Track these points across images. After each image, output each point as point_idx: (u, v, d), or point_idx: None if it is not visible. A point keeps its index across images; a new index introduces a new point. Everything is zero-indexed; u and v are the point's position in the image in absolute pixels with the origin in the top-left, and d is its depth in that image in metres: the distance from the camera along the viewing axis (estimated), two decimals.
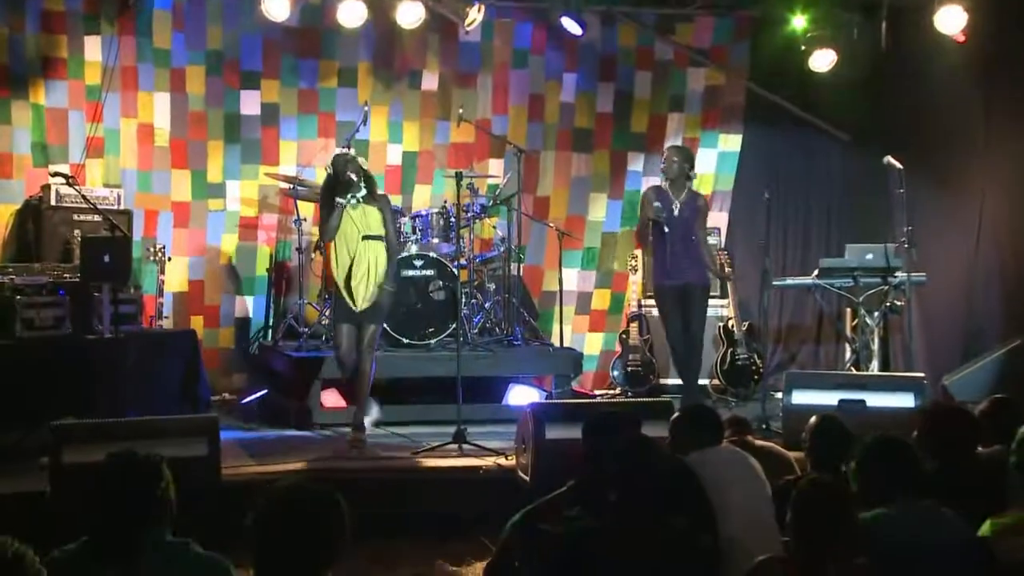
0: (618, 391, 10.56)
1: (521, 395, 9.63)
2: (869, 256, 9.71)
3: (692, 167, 8.99)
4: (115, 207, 9.51)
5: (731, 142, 11.60)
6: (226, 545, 3.82)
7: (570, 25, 10.72)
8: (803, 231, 11.74)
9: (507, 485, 6.94)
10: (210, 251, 10.56)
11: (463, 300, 9.38)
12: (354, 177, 8.02)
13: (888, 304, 9.66)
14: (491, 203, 10.23)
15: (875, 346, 9.87)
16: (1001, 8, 9.97)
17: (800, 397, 7.99)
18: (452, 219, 9.68)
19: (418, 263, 9.57)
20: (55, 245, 9.31)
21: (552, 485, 5.02)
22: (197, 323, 10.34)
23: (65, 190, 9.24)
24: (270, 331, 10.26)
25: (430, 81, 11.03)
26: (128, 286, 8.81)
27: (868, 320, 9.80)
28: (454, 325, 9.09)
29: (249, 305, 10.65)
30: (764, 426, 8.50)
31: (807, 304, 11.43)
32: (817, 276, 9.86)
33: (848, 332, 10.52)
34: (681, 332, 8.86)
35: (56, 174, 8.86)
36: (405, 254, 9.61)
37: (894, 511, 4.27)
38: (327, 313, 9.30)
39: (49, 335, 8.36)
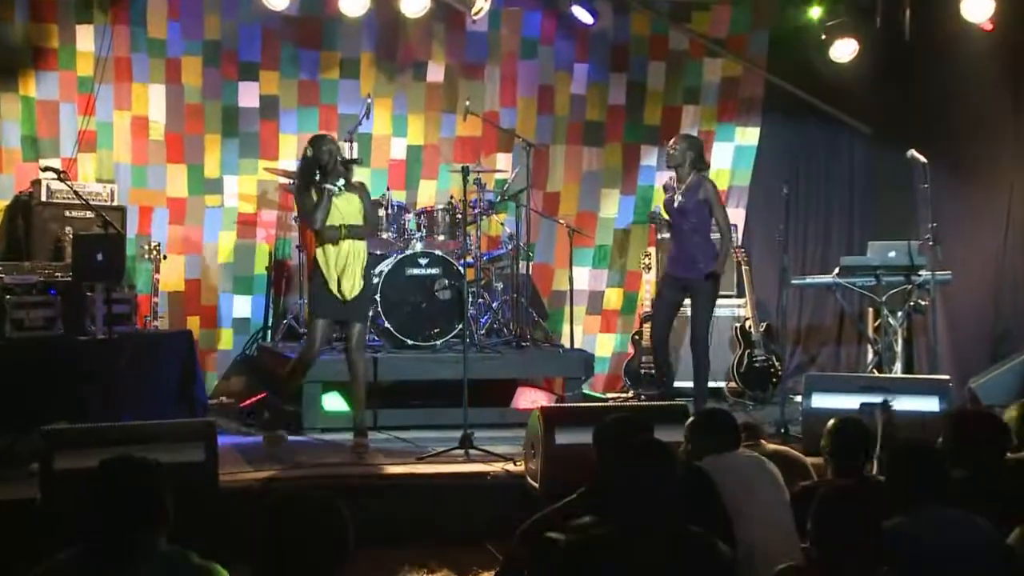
0: (631, 394, 10.55)
1: (530, 398, 9.63)
2: (892, 254, 9.70)
3: (700, 155, 8.89)
4: (108, 203, 9.52)
5: (748, 135, 11.58)
6: (224, 553, 3.82)
7: (581, 14, 10.72)
8: (823, 228, 11.72)
9: (515, 492, 6.95)
10: (207, 249, 10.57)
11: (470, 300, 9.39)
12: (340, 165, 8.04)
13: (912, 304, 9.65)
14: (499, 199, 10.24)
15: (898, 348, 9.86)
16: None
17: (820, 400, 7.99)
18: (458, 215, 9.68)
19: (423, 261, 9.58)
20: (46, 243, 9.31)
21: (562, 492, 5.01)
22: (193, 324, 10.35)
23: (56, 185, 9.24)
24: (269, 332, 10.27)
25: (435, 72, 11.03)
26: (122, 285, 8.83)
27: (891, 320, 9.79)
28: (460, 326, 9.09)
29: (248, 305, 10.65)
30: (783, 431, 8.51)
31: (827, 304, 11.42)
32: (838, 275, 9.85)
33: (870, 333, 10.50)
34: (663, 326, 8.88)
35: (47, 169, 8.85)
36: (410, 252, 9.62)
37: (919, 519, 4.26)
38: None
39: (40, 336, 8.37)
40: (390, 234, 9.80)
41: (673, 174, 8.93)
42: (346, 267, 8.01)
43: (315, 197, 7.94)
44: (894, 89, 11.08)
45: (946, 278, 9.70)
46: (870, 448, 5.22)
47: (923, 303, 9.56)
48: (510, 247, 10.07)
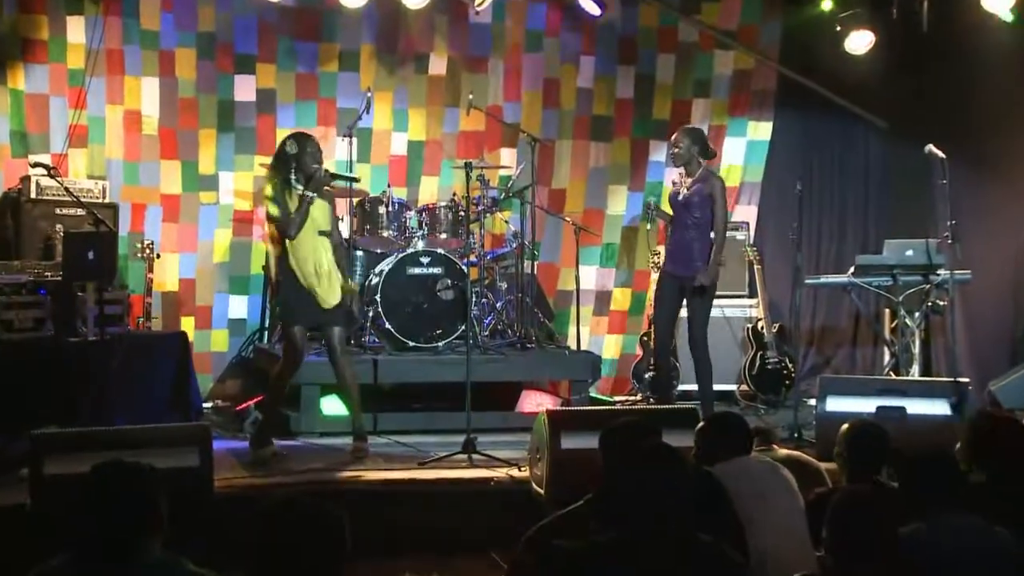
0: (639, 397, 10.56)
1: (535, 402, 9.63)
2: (909, 252, 9.70)
3: (704, 145, 8.86)
4: (100, 200, 9.54)
5: (761, 130, 11.59)
6: (219, 561, 3.83)
7: (588, 5, 10.73)
8: (838, 225, 11.72)
9: (520, 498, 6.94)
10: (202, 247, 10.58)
11: (473, 300, 9.38)
12: (328, 176, 8.09)
13: (930, 304, 9.65)
14: (503, 196, 10.23)
15: (916, 349, 9.85)
16: None
17: (835, 404, 7.99)
18: (461, 213, 9.69)
19: (425, 260, 9.58)
20: (35, 241, 9.33)
21: (568, 498, 5.02)
22: (188, 324, 10.37)
23: (46, 182, 9.26)
24: (266, 333, 10.27)
25: (438, 65, 11.03)
26: (114, 285, 8.83)
27: (908, 321, 9.79)
28: (463, 327, 9.10)
29: (244, 305, 10.66)
30: (796, 435, 8.50)
31: (842, 304, 11.41)
32: (853, 274, 9.85)
33: (887, 334, 10.50)
34: (666, 326, 8.87)
35: (36, 165, 8.87)
36: (411, 250, 9.62)
37: (936, 525, 4.26)
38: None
39: (29, 337, 8.38)
40: (391, 232, 9.81)
41: (682, 170, 8.90)
42: (322, 273, 7.99)
43: (294, 202, 7.89)
44: (911, 82, 11.08)
45: (965, 277, 9.69)
46: (887, 453, 5.20)
47: (941, 303, 9.56)
48: (514, 246, 10.07)
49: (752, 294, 10.85)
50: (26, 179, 9.45)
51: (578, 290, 10.46)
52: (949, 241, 9.09)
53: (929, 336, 10.37)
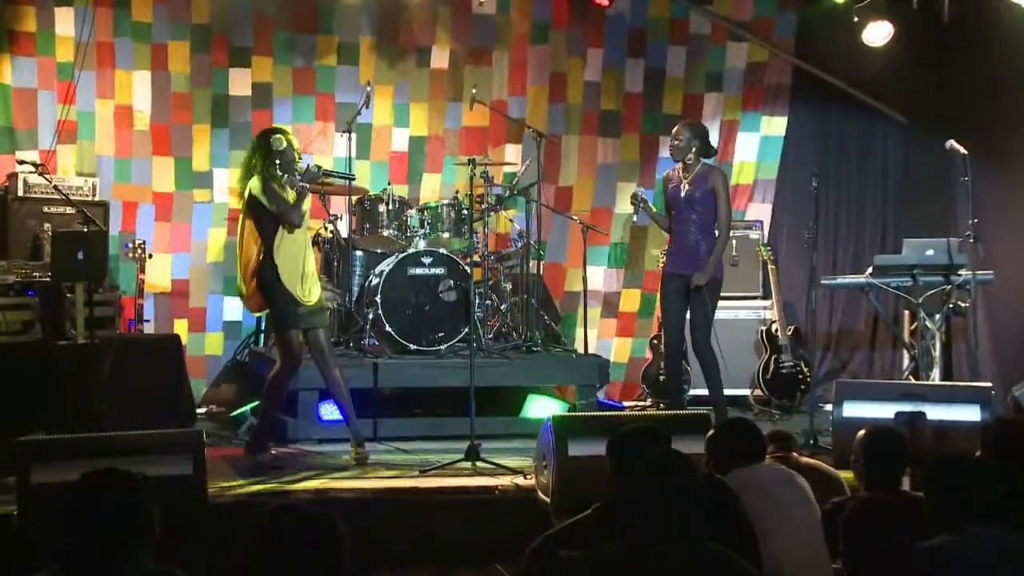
0: (649, 403, 10.55)
1: (541, 407, 9.63)
2: (930, 252, 9.68)
3: (705, 142, 8.84)
4: (90, 198, 9.55)
5: (775, 125, 11.58)
6: (213, 572, 3.83)
7: None
8: (855, 224, 11.71)
9: (526, 507, 6.94)
10: (195, 247, 10.59)
11: (476, 301, 9.38)
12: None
13: (951, 306, 9.63)
14: (508, 193, 10.23)
15: (936, 353, 9.83)
16: None
17: (852, 409, 7.98)
18: (464, 211, 9.68)
19: (427, 260, 9.58)
20: (23, 240, 9.33)
21: (576, 507, 5.02)
22: (181, 327, 10.37)
23: (34, 179, 9.27)
24: (262, 336, 10.27)
25: (440, 58, 11.04)
26: (104, 286, 8.83)
27: (928, 324, 9.77)
28: (466, 329, 9.09)
29: (239, 307, 10.64)
30: (812, 441, 8.50)
31: (860, 306, 11.41)
32: (871, 274, 9.83)
33: (906, 337, 10.49)
34: (676, 329, 8.85)
35: (24, 162, 8.89)
36: (412, 250, 9.62)
37: (961, 538, 4.23)
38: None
39: (16, 341, 8.38)
40: (391, 231, 9.81)
41: (679, 166, 8.88)
42: (308, 273, 8.02)
43: (286, 194, 7.93)
44: (932, 74, 11.06)
45: (988, 278, 9.68)
46: (905, 460, 5.19)
47: (963, 305, 9.54)
48: (520, 245, 10.07)
49: (766, 295, 10.84)
50: (13, 176, 9.46)
51: (585, 291, 10.44)
52: (971, 240, 9.09)
53: (950, 339, 10.36)
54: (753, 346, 10.70)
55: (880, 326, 11.42)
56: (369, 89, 9.92)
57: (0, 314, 8.34)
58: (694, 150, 8.73)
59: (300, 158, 8.10)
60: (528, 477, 7.37)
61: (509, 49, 11.20)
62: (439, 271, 9.58)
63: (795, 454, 6.05)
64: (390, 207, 9.81)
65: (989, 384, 8.54)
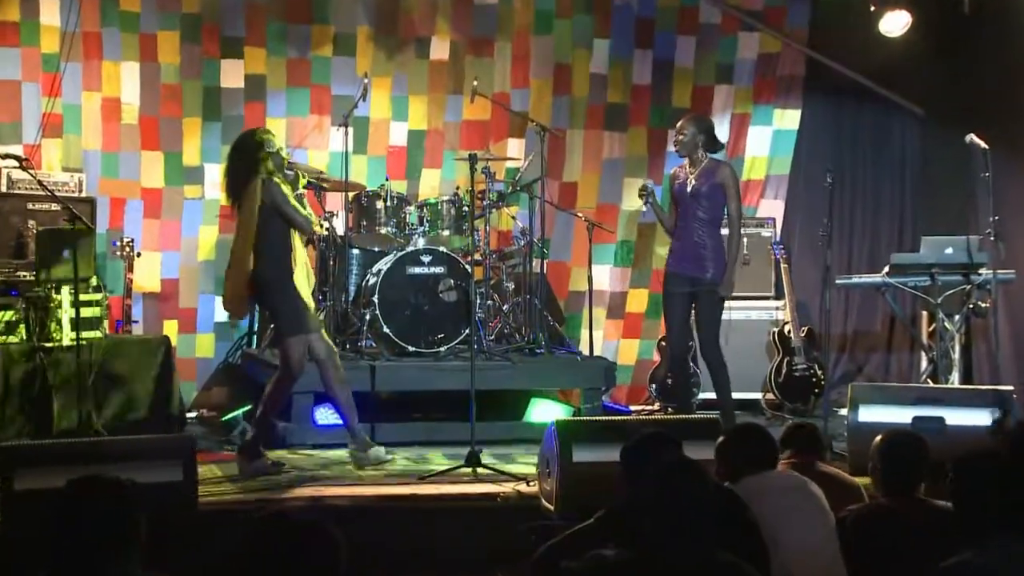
0: (657, 407, 10.55)
1: (544, 411, 9.64)
2: (949, 250, 9.67)
3: (711, 136, 8.82)
4: (76, 194, 9.54)
5: (788, 119, 11.58)
6: None
7: None
8: (871, 221, 11.72)
9: (528, 515, 6.94)
10: (186, 245, 10.59)
11: (477, 302, 9.39)
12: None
13: (971, 306, 9.62)
14: (510, 190, 10.24)
15: (956, 355, 9.82)
16: None
17: (868, 414, 7.97)
18: (465, 208, 9.69)
19: (426, 259, 9.58)
20: (6, 238, 9.31)
21: (580, 515, 5.02)
22: (171, 328, 10.37)
23: (18, 175, 9.26)
24: (255, 337, 10.28)
25: (440, 49, 11.04)
26: (91, 286, 8.83)
27: (947, 325, 9.76)
28: (467, 331, 9.09)
29: None
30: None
31: (876, 306, 11.41)
32: (888, 274, 9.83)
33: (924, 339, 10.49)
34: (680, 331, 8.84)
35: (7, 156, 8.88)
36: (411, 249, 9.63)
37: (989, 552, 4.12)
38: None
39: (0, 342, 8.39)
40: (389, 229, 9.81)
41: (685, 162, 8.87)
42: (310, 274, 8.16)
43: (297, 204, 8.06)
44: (951, 66, 11.06)
45: (1009, 277, 9.67)
46: (924, 466, 5.18)
47: (984, 305, 9.53)
48: (522, 243, 10.07)
49: (778, 295, 10.84)
50: None
51: (591, 291, 10.45)
52: (992, 238, 9.08)
53: (970, 341, 10.36)
54: (765, 348, 10.70)
55: (897, 327, 11.42)
56: (366, 81, 9.91)
57: None
58: (699, 144, 8.72)
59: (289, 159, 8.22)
60: (531, 484, 7.38)
61: (512, 40, 11.20)
62: (439, 270, 9.58)
63: (819, 463, 6.00)
64: (388, 204, 9.81)
65: (1011, 387, 8.52)
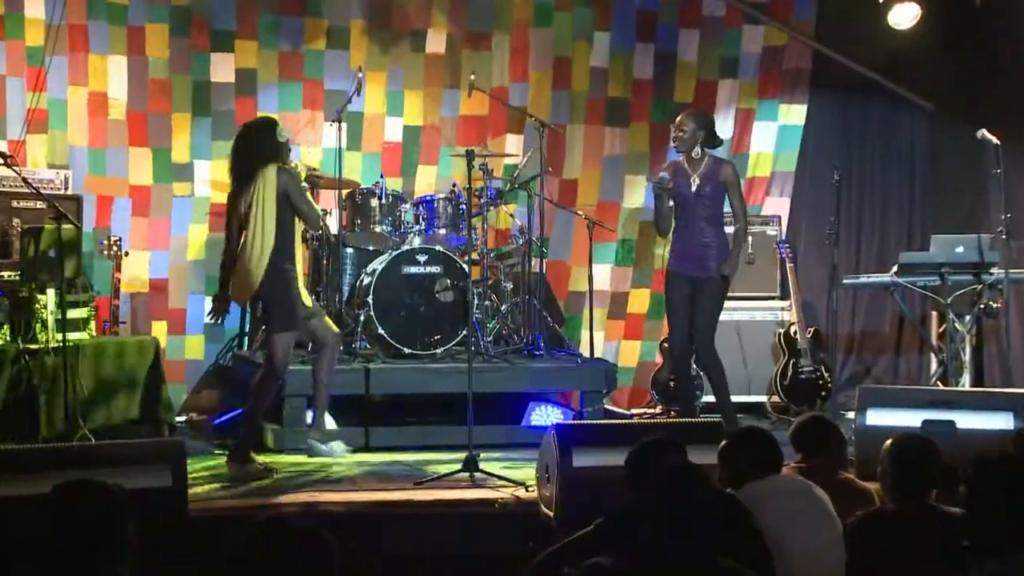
0: (659, 410, 10.55)
1: (543, 415, 9.64)
2: (959, 249, 9.69)
3: (711, 132, 8.83)
4: (62, 192, 9.55)
5: (794, 114, 11.58)
6: None
7: None
8: (880, 219, 11.71)
9: (527, 522, 6.95)
10: (175, 244, 10.59)
11: (475, 302, 9.39)
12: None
13: (982, 306, 9.64)
14: (508, 187, 10.24)
15: (966, 357, 9.85)
16: None
17: (876, 417, 7.97)
18: (462, 206, 9.69)
19: (422, 258, 9.59)
20: None
21: (581, 521, 5.03)
22: (159, 330, 10.37)
23: (2, 172, 9.23)
24: (246, 339, 10.28)
25: (436, 42, 11.04)
26: (77, 286, 8.84)
27: (958, 326, 9.78)
28: (464, 332, 9.10)
29: None
30: None
31: (884, 306, 11.42)
32: (897, 273, 9.85)
33: (934, 340, 10.50)
34: (683, 333, 8.83)
35: None
36: (406, 247, 9.63)
37: (1011, 566, 4.11)
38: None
39: None
40: (384, 228, 9.82)
41: (682, 158, 8.86)
42: (302, 270, 8.30)
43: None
44: (962, 60, 11.08)
45: (1021, 276, 9.70)
46: (935, 470, 5.18)
47: (995, 305, 9.55)
48: (521, 242, 10.08)
49: (784, 295, 10.84)
50: None
51: (591, 291, 10.46)
52: (1003, 236, 9.10)
53: (981, 342, 10.37)
54: (770, 350, 10.70)
55: (906, 328, 11.42)
56: (360, 75, 9.93)
57: None
58: (699, 141, 8.73)
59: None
60: (530, 490, 7.37)
61: (510, 32, 11.20)
62: (435, 270, 9.59)
63: (841, 472, 5.98)
64: (383, 201, 9.82)
65: (1023, 390, 8.53)
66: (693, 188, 8.71)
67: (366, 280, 9.60)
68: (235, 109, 10.63)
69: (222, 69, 10.64)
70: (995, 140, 9.07)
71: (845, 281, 10.07)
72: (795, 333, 10.56)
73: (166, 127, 10.53)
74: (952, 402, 8.02)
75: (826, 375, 10.46)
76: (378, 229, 9.81)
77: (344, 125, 9.84)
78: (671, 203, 8.85)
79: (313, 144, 10.70)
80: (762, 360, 10.58)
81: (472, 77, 10.22)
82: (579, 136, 11.34)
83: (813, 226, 11.23)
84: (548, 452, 6.92)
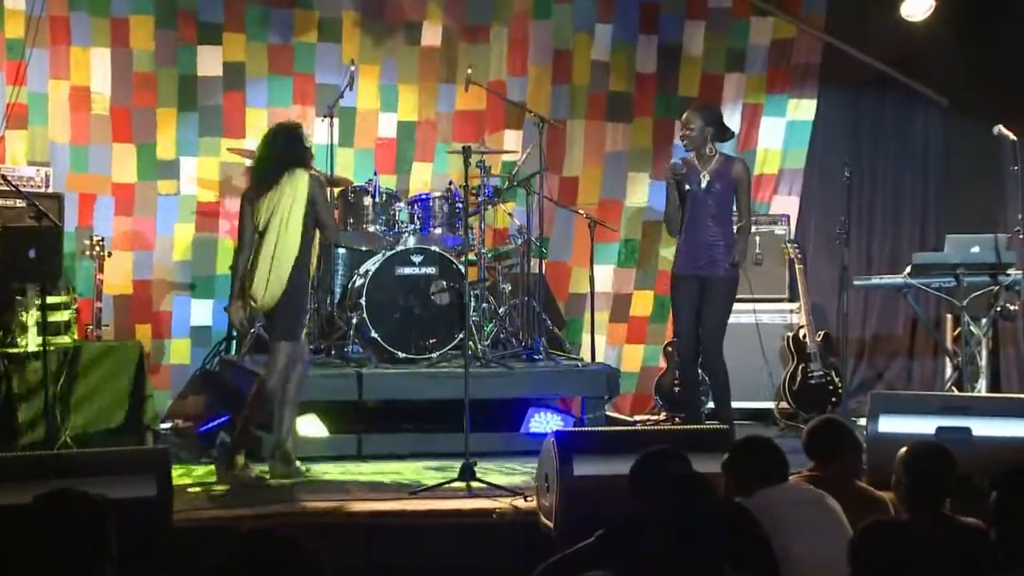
0: (663, 416, 10.55)
1: (543, 422, 9.63)
2: (975, 249, 9.69)
3: (720, 127, 8.80)
4: (42, 190, 9.54)
5: (803, 109, 11.57)
6: None
7: None
8: (892, 218, 11.70)
9: (526, 533, 6.95)
10: (160, 244, 10.59)
11: (472, 304, 9.38)
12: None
13: (999, 309, 9.64)
14: (506, 185, 10.24)
15: (983, 361, 9.84)
16: None
17: (889, 424, 7.96)
18: (459, 205, 9.68)
19: (416, 259, 9.58)
20: None
21: (581, 533, 5.02)
22: (144, 333, 10.38)
23: None
24: (234, 343, 10.28)
25: (431, 35, 11.04)
26: (59, 287, 8.83)
27: (973, 329, 9.78)
28: (461, 335, 9.09)
29: (208, 311, 10.67)
30: None
31: (897, 309, 11.41)
32: (910, 274, 9.84)
33: (949, 344, 10.49)
34: (691, 335, 8.80)
35: None
36: (401, 248, 9.62)
37: None
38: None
39: None
40: (378, 227, 9.81)
41: (692, 155, 8.84)
42: None
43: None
44: (977, 53, 11.06)
45: None
46: (950, 479, 5.17)
47: (1012, 308, 9.55)
48: (520, 242, 10.08)
49: (793, 297, 10.84)
50: None
51: (593, 293, 10.45)
52: (1021, 236, 9.09)
53: (998, 346, 10.37)
54: (778, 354, 10.70)
55: (920, 331, 11.41)
56: (353, 69, 9.93)
57: None
58: (709, 138, 8.71)
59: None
60: (529, 499, 7.37)
61: (508, 24, 11.20)
62: (430, 271, 9.58)
63: (861, 483, 5.98)
64: (376, 200, 9.81)
65: None
66: (703, 185, 8.70)
67: (359, 282, 9.59)
68: (222, 104, 10.64)
69: (209, 62, 10.64)
70: (1012, 136, 9.08)
71: (856, 282, 10.07)
72: (804, 337, 10.55)
73: (151, 122, 10.53)
74: (968, 408, 8.01)
75: (836, 380, 10.45)
76: (371, 229, 9.80)
77: (336, 121, 9.86)
78: (678, 201, 8.84)
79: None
80: (770, 365, 10.57)
81: (469, 71, 10.21)
82: (580, 132, 11.34)
83: (823, 225, 11.22)
84: (548, 460, 6.93)
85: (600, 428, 9.00)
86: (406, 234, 9.80)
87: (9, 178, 8.86)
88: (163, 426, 9.78)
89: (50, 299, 8.40)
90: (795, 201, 11.53)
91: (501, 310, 10.09)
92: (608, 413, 9.95)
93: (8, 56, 10.11)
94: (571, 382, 9.90)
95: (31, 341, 8.41)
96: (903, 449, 5.33)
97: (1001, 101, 10.39)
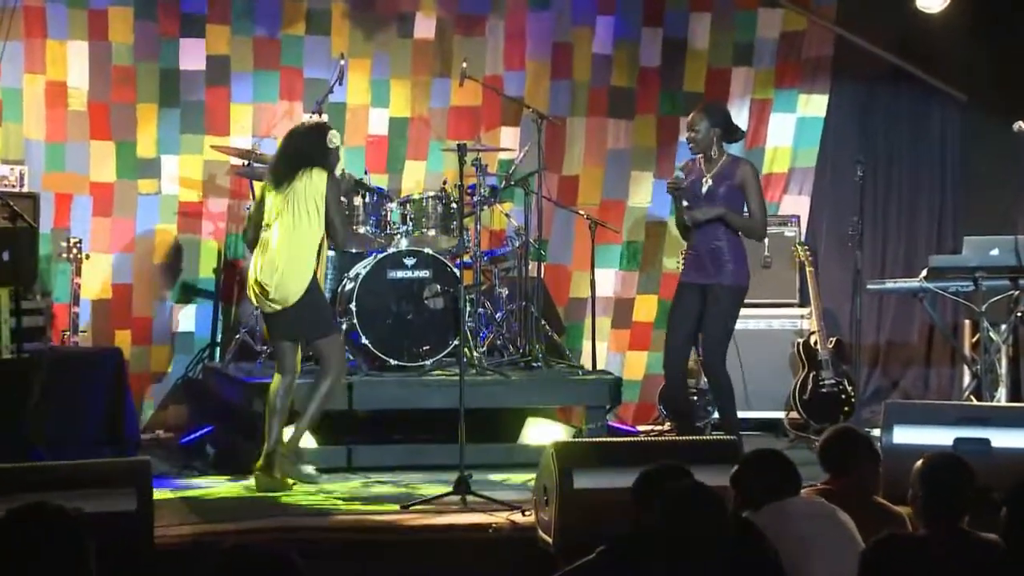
0: (667, 426, 10.54)
1: (542, 432, 9.64)
2: (994, 252, 9.69)
3: (728, 126, 8.73)
4: (17, 189, 9.56)
5: (814, 105, 11.59)
6: None
7: None
8: (907, 220, 11.72)
9: (524, 548, 6.94)
10: (140, 246, 10.59)
11: (467, 310, 9.38)
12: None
13: (1019, 314, 9.64)
14: (503, 184, 10.24)
15: (1002, 369, 9.85)
16: None
17: (904, 435, 7.97)
18: (453, 205, 9.68)
19: (409, 262, 9.58)
20: None
21: (582, 548, 5.01)
22: (123, 339, 10.38)
23: None
24: (217, 349, 10.28)
25: (425, 27, 11.05)
26: (34, 291, 8.83)
27: (993, 335, 9.78)
28: (455, 342, 9.09)
29: (191, 316, 10.68)
30: None
31: (913, 314, 11.42)
32: (926, 278, 9.84)
33: (967, 351, 10.50)
34: (680, 348, 8.80)
35: None
36: (393, 250, 9.62)
37: None
38: None
39: None
40: (368, 228, 9.80)
41: (700, 157, 8.82)
42: None
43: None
44: (996, 46, 11.08)
45: None
46: (968, 492, 5.17)
47: None
48: (517, 244, 10.08)
49: (803, 302, 10.84)
50: None
51: (594, 297, 10.45)
52: None
53: (1018, 353, 10.35)
54: (788, 361, 10.70)
55: (936, 338, 11.42)
56: (343, 63, 9.93)
57: None
58: (716, 139, 8.67)
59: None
60: (527, 513, 7.36)
61: (505, 16, 11.20)
62: (424, 274, 9.58)
63: (875, 497, 5.99)
64: (367, 200, 9.80)
65: None
66: (704, 189, 8.67)
67: (349, 285, 9.59)
68: (206, 100, 10.64)
69: (192, 56, 10.64)
70: None
71: (870, 287, 10.07)
72: (815, 343, 10.55)
73: (131, 119, 10.53)
74: (987, 418, 8.01)
75: (849, 389, 10.46)
76: (362, 230, 9.80)
77: (325, 117, 9.84)
78: (687, 204, 8.81)
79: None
80: (780, 373, 10.57)
81: (464, 65, 10.22)
82: (580, 129, 11.34)
83: (835, 227, 11.22)
84: (547, 473, 6.92)
85: (601, 439, 9.00)
86: (398, 236, 9.79)
87: None
88: (143, 437, 9.78)
89: (25, 304, 8.41)
90: (806, 201, 11.54)
91: (498, 315, 10.10)
92: (610, 423, 9.95)
93: None
94: (571, 391, 9.90)
95: (4, 347, 8.41)
96: (919, 461, 5.32)
97: (1021, 97, 10.39)
